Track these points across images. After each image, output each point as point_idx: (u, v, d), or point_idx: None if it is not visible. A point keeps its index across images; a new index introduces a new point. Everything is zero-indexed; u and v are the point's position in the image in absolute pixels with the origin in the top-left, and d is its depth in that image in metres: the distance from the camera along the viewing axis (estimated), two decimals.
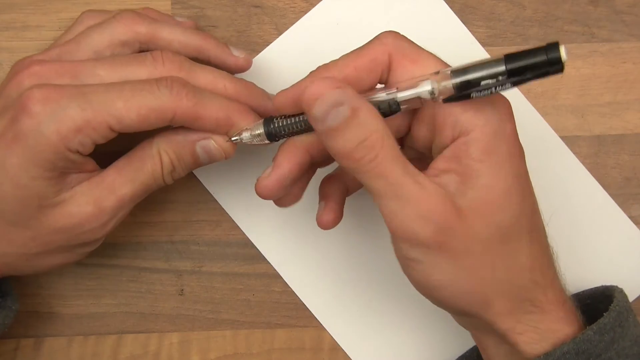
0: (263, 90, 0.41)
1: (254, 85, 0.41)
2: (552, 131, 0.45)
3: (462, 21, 0.45)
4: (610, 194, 0.46)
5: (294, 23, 0.46)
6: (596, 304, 0.40)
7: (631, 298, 0.46)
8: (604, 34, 0.46)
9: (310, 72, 0.38)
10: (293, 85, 0.38)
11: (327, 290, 0.46)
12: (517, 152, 0.36)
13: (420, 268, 0.36)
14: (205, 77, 0.39)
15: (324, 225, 0.40)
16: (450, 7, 0.45)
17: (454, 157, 0.35)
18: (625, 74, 0.46)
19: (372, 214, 0.46)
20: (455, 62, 0.46)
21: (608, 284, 0.43)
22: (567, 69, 0.45)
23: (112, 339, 0.46)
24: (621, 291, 0.40)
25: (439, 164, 0.36)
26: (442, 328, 0.46)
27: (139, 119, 0.37)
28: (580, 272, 0.45)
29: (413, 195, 0.34)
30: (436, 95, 0.35)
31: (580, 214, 0.46)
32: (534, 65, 0.31)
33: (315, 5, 0.46)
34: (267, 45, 0.46)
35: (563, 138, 0.46)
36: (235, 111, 0.39)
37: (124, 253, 0.44)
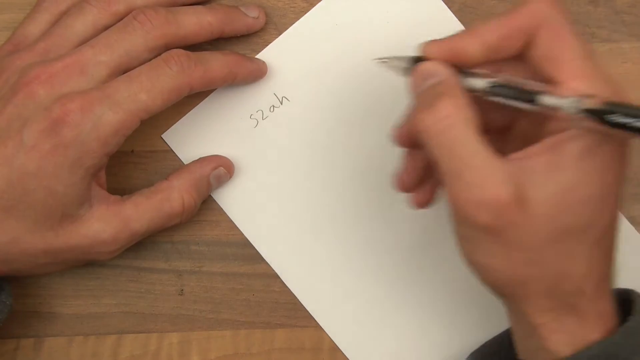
0: (238, 9, 0.44)
1: (228, 7, 0.43)
2: None
3: (461, 22, 0.45)
4: None
5: (294, 23, 0.46)
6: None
7: None
8: (604, 34, 0.46)
9: (454, 34, 0.36)
10: (443, 39, 0.36)
11: (326, 291, 0.46)
12: (615, 167, 0.34)
13: (472, 246, 0.36)
14: (190, 20, 0.41)
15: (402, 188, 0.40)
16: (449, 7, 0.45)
17: (552, 146, 0.34)
18: (625, 74, 0.46)
19: (377, 215, 0.46)
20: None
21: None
22: None
23: (112, 339, 0.46)
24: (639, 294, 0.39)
25: (534, 148, 0.34)
26: (442, 330, 0.45)
27: (163, 103, 0.39)
28: None
29: (477, 180, 0.33)
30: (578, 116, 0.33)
31: None
32: None
33: (316, 5, 0.46)
34: (267, 44, 0.46)
35: None
36: (234, 64, 0.42)
37: (124, 253, 0.44)
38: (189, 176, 0.43)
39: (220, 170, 0.44)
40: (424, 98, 0.35)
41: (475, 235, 0.35)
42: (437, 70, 0.35)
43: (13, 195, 0.38)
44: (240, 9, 0.44)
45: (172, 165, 0.46)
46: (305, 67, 0.45)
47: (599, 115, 0.31)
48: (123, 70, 0.40)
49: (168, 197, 0.42)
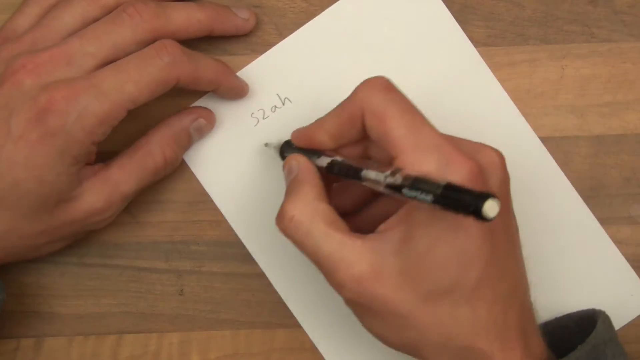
0: (228, 9, 0.44)
1: (219, 6, 0.43)
2: (532, 132, 0.45)
3: (461, 21, 0.45)
4: (609, 194, 0.46)
5: (293, 23, 0.46)
6: (585, 327, 0.39)
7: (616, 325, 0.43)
8: (604, 34, 0.46)
9: (309, 125, 0.40)
10: (300, 129, 0.40)
11: (310, 293, 0.45)
12: (467, 226, 0.35)
13: (361, 320, 0.38)
14: (180, 16, 0.41)
15: None
16: (449, 8, 0.45)
17: (405, 216, 0.36)
18: (625, 74, 0.46)
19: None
20: (448, 64, 0.45)
21: (593, 303, 0.42)
22: (567, 69, 0.46)
23: (112, 339, 0.46)
24: (605, 319, 0.39)
25: (391, 220, 0.36)
26: None
27: (150, 94, 0.39)
28: (563, 293, 0.45)
29: (332, 265, 0.36)
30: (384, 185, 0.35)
31: (558, 226, 0.45)
32: (460, 205, 0.31)
33: (315, 5, 0.46)
34: (267, 45, 0.46)
35: (563, 138, 0.46)
36: (222, 73, 0.42)
37: (124, 253, 0.44)
38: (167, 129, 0.43)
39: (201, 121, 0.44)
40: (286, 193, 0.39)
41: (355, 311, 0.38)
42: (292, 167, 0.39)
43: (3, 186, 0.38)
44: (231, 9, 0.44)
45: None
46: (310, 70, 0.45)
47: (398, 189, 0.34)
48: (110, 62, 0.39)
49: (149, 152, 0.42)
